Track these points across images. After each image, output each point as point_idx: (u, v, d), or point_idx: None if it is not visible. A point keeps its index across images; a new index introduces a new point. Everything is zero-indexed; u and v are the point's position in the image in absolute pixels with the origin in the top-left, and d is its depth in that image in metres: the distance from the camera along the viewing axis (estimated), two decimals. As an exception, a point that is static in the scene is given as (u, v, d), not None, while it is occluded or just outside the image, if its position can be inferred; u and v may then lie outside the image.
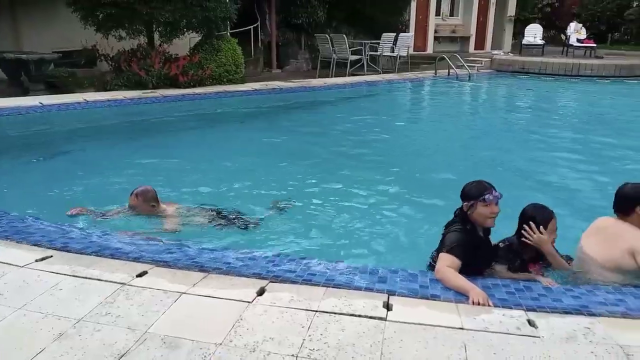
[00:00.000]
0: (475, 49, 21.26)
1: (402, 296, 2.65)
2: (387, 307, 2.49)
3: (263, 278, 2.80)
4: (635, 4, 20.51)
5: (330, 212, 4.69)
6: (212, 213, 4.35)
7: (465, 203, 3.07)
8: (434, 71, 15.19)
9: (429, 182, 5.74)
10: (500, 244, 3.30)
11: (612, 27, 22.41)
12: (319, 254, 3.41)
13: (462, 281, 2.74)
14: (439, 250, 3.00)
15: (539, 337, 2.26)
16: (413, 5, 19.34)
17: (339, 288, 2.71)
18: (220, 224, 4.20)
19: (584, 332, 2.31)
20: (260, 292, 2.62)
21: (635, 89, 14.54)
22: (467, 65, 15.85)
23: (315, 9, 15.46)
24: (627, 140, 8.18)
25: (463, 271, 2.86)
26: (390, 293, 2.66)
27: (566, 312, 2.54)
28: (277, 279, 2.80)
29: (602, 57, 16.96)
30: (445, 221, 3.20)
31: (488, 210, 3.00)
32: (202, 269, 2.93)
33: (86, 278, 2.76)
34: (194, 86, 10.47)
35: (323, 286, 2.72)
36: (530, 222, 3.13)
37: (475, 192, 3.05)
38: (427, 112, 11.52)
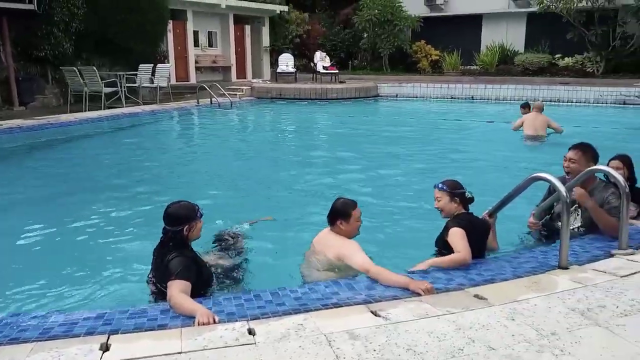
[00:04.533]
0: (237, 78, 22.11)
1: (125, 333, 2.54)
2: (105, 348, 2.36)
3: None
4: (365, 34, 23.80)
5: (73, 253, 4.32)
6: None
7: (186, 226, 3.14)
8: (196, 100, 15.32)
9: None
10: None
11: (351, 55, 25.66)
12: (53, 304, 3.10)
13: (188, 304, 2.76)
14: (166, 279, 2.99)
15: (254, 343, 2.38)
16: (170, 36, 19.28)
17: (55, 340, 2.47)
18: None
19: (296, 329, 2.51)
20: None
21: (370, 107, 16.85)
22: (229, 94, 16.39)
23: (59, 40, 14.26)
24: (371, 149, 9.41)
25: (194, 294, 2.91)
26: (113, 332, 2.53)
27: (286, 313, 2.74)
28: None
29: (344, 82, 19.23)
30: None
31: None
32: None
33: None
34: None
35: (34, 341, 2.44)
36: None
37: (191, 212, 3.18)
38: (188, 140, 11.52)
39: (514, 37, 23.19)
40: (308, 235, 3.97)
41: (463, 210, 3.59)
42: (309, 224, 4.77)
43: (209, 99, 15.29)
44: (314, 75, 20.07)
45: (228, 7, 20.89)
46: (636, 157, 4.50)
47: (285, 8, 24.22)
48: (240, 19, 22.46)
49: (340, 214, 3.56)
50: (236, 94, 17.29)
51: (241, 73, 22.62)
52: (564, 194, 3.26)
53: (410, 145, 10.00)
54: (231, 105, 15.44)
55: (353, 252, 3.38)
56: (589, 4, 19.55)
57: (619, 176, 3.56)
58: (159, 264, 3.16)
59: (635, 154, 4.52)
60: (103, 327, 2.61)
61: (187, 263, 3.01)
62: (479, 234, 3.59)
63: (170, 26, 19.00)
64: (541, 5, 20.43)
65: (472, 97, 17.73)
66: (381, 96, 18.82)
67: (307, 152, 9.53)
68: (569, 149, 4.12)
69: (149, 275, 3.33)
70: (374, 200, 5.97)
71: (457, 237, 3.38)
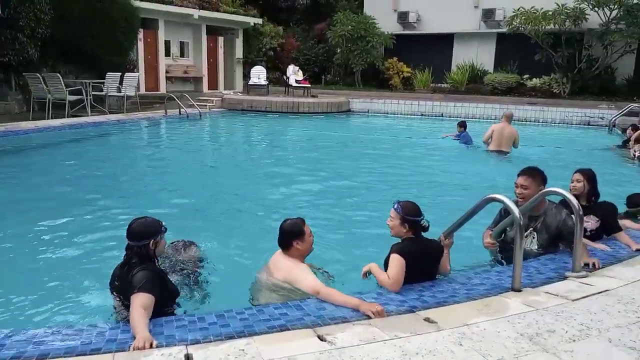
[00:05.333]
0: (209, 89, 21.91)
1: (55, 358, 2.39)
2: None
3: None
4: (338, 50, 23.95)
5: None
6: None
7: (151, 241, 3.09)
8: (164, 111, 15.09)
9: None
10: None
11: (325, 69, 25.78)
12: None
13: (135, 324, 2.64)
14: (129, 294, 2.87)
15: (189, 370, 2.26)
16: (140, 45, 19.02)
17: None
18: None
19: (236, 355, 2.40)
20: None
21: (342, 122, 16.88)
22: (199, 105, 16.22)
23: (24, 45, 13.90)
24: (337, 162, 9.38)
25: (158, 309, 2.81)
26: (41, 357, 2.38)
27: (229, 337, 2.62)
28: None
29: (317, 96, 19.27)
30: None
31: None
32: None
33: None
34: None
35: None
36: None
37: (155, 228, 3.14)
38: (152, 151, 11.23)
39: (484, 56, 23.65)
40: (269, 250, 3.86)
41: (411, 236, 3.53)
42: (270, 239, 4.65)
43: (178, 110, 15.09)
44: (286, 88, 20.07)
45: (201, 17, 20.75)
46: (598, 176, 4.55)
47: (260, 21, 24.21)
48: (214, 30, 22.33)
49: (295, 234, 3.49)
50: (206, 105, 17.13)
51: (213, 84, 22.43)
52: (518, 216, 3.25)
53: (377, 161, 10.00)
54: (200, 116, 15.27)
55: (303, 276, 3.31)
56: (557, 26, 20.09)
57: (572, 197, 3.57)
58: (123, 280, 3.06)
59: (597, 173, 4.57)
60: (32, 350, 2.46)
61: (150, 276, 2.95)
62: (428, 259, 3.54)
63: (141, 35, 18.77)
64: (510, 27, 20.91)
65: (442, 115, 17.95)
66: (353, 111, 18.92)
67: (271, 166, 9.44)
68: (518, 175, 4.14)
69: (113, 291, 3.20)
70: (332, 215, 5.92)
71: (393, 264, 3.36)
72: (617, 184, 7.24)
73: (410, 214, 3.49)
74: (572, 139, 13.71)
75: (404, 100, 18.81)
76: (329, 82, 25.27)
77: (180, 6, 20.02)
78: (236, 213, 6.14)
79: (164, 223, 3.21)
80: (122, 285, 3.06)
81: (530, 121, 16.72)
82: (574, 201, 3.55)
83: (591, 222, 4.52)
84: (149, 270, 3.00)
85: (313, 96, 19.24)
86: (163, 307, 2.99)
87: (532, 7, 20.35)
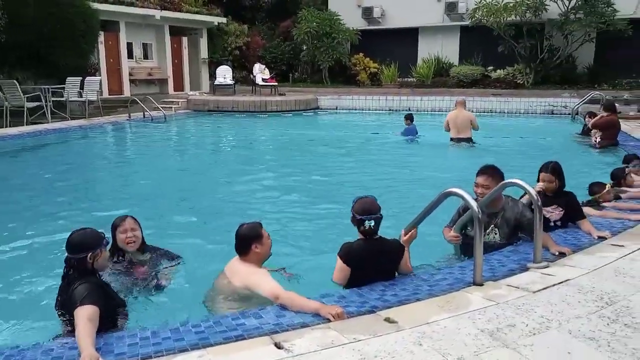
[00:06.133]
0: (174, 91, 21.55)
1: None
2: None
3: None
4: (304, 47, 23.84)
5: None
6: None
7: (90, 254, 2.94)
8: (127, 115, 14.75)
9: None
10: None
11: (292, 67, 25.62)
12: None
13: (80, 341, 2.51)
14: (72, 309, 2.74)
15: (137, 388, 2.15)
16: (102, 48, 18.57)
17: None
18: None
19: (189, 369, 2.30)
20: None
21: (310, 120, 16.80)
22: (165, 107, 15.93)
23: (-23, 52, 13.43)
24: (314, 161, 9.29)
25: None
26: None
27: (183, 350, 2.52)
28: None
29: (284, 94, 19.14)
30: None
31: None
32: None
33: None
34: None
35: None
36: None
37: (95, 240, 3.00)
38: (114, 157, 10.92)
39: (448, 49, 23.86)
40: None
41: (359, 236, 3.48)
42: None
43: (142, 113, 14.77)
44: (253, 87, 19.88)
45: (163, 18, 20.37)
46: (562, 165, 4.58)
47: (224, 20, 23.90)
48: (177, 31, 21.96)
49: (253, 238, 3.41)
50: (171, 107, 16.82)
51: (179, 85, 22.06)
52: (477, 210, 3.22)
53: (344, 157, 9.97)
54: (165, 118, 14.97)
55: (262, 280, 3.22)
56: (518, 18, 20.38)
57: (530, 188, 3.56)
58: (64, 293, 2.95)
59: (561, 162, 4.60)
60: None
61: (92, 288, 2.83)
62: (384, 258, 3.48)
63: (101, 38, 18.31)
64: (473, 19, 21.13)
65: (409, 109, 17.99)
66: (321, 109, 18.85)
67: (233, 166, 9.32)
68: (477, 174, 4.14)
69: (56, 306, 3.05)
70: (296, 214, 5.86)
71: (336, 266, 3.45)
72: (579, 172, 7.34)
73: (358, 212, 3.43)
74: (536, 129, 13.92)
75: (371, 96, 18.83)
76: (297, 79, 25.14)
77: (142, 7, 19.62)
78: (198, 216, 6.00)
79: (106, 236, 3.08)
80: (63, 300, 2.93)
81: (496, 112, 16.93)
82: (532, 192, 3.55)
83: (555, 213, 4.56)
84: (89, 283, 2.88)
85: (281, 94, 19.10)
86: (109, 318, 2.88)
87: (493, 0, 20.60)
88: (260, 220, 3.56)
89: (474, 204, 3.24)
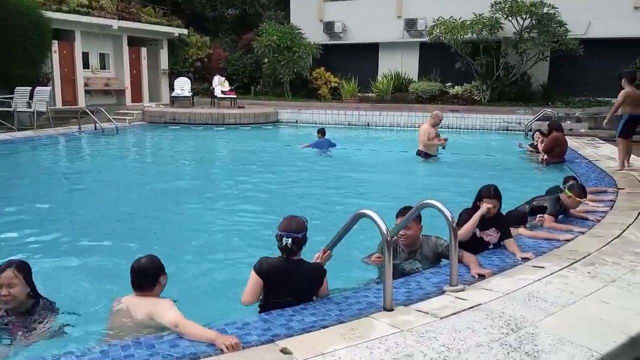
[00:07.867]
0: (133, 102, 21.10)
1: None
2: None
3: None
4: (266, 60, 23.73)
5: None
6: None
7: None
8: (78, 126, 14.34)
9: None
10: None
11: (254, 80, 25.45)
12: None
13: None
14: None
15: None
16: (55, 57, 18.08)
17: None
18: None
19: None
20: None
21: (268, 133, 16.69)
22: (119, 119, 15.57)
23: None
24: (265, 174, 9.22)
25: None
26: None
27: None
28: None
29: (244, 107, 18.98)
30: None
31: None
32: None
33: None
34: None
35: None
36: None
37: None
38: (57, 171, 10.49)
39: (408, 65, 24.13)
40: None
41: (281, 254, 3.40)
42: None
43: (94, 125, 14.38)
44: (212, 99, 19.66)
45: (121, 28, 20.02)
46: (509, 181, 4.58)
47: (185, 31, 23.66)
48: (136, 41, 21.62)
49: (161, 269, 3.34)
50: (126, 119, 16.46)
51: (137, 97, 21.65)
52: (385, 232, 3.15)
53: (296, 172, 9.87)
54: (117, 130, 14.61)
55: (165, 309, 3.07)
56: (474, 35, 20.79)
57: (446, 211, 3.52)
58: None
59: (510, 177, 4.61)
60: None
61: None
62: (302, 280, 3.40)
63: (55, 47, 17.86)
64: (431, 36, 21.45)
65: (368, 124, 18.15)
66: (281, 122, 18.78)
67: (177, 181, 9.10)
68: (397, 215, 4.12)
69: None
70: (235, 229, 5.72)
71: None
72: (524, 189, 7.42)
73: (280, 228, 3.39)
74: (490, 145, 14.13)
75: (331, 110, 18.88)
76: (259, 92, 24.99)
77: (98, 17, 19.23)
78: (137, 233, 5.80)
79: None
80: None
81: (453, 128, 17.15)
82: (448, 214, 3.51)
83: (494, 236, 4.56)
84: None
85: (240, 107, 18.94)
86: None
87: (450, 17, 20.97)
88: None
89: (383, 226, 3.17)
